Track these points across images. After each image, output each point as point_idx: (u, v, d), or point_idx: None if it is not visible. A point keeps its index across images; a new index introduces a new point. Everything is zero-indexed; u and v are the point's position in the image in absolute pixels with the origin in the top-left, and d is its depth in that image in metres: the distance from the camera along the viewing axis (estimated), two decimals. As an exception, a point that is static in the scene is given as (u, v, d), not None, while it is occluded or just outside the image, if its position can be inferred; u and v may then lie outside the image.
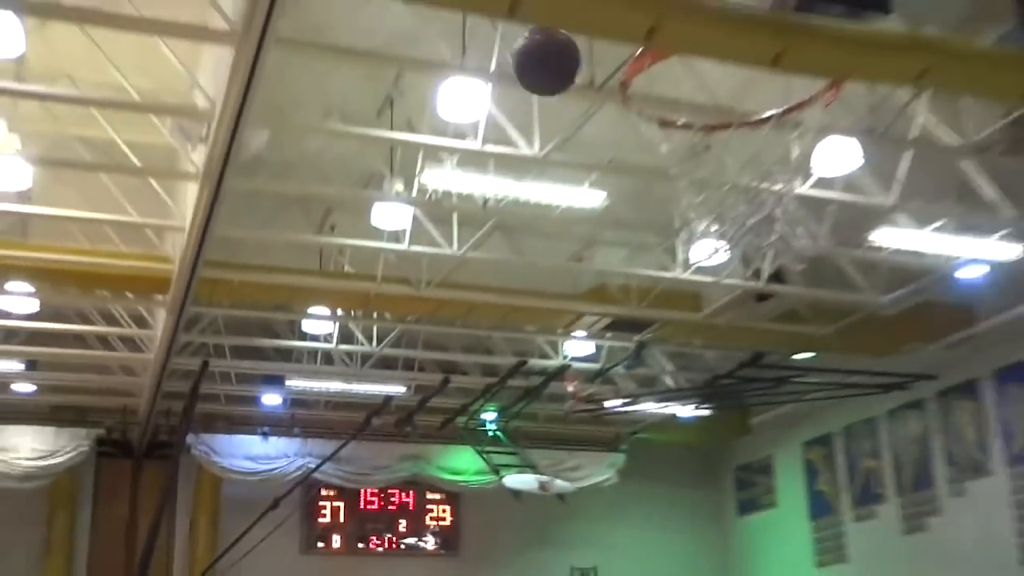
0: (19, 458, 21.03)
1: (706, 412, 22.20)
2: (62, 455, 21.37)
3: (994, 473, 19.17)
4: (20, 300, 16.26)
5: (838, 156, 11.78)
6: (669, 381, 21.52)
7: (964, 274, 15.79)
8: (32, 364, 19.02)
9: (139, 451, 22.70)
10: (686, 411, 22.12)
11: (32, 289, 15.50)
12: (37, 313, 16.93)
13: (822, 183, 12.87)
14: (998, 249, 14.52)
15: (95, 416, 21.95)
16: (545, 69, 3.42)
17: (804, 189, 12.70)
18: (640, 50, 5.69)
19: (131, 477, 22.97)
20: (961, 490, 19.94)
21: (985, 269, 15.58)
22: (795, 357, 19.50)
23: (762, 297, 16.89)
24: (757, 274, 15.74)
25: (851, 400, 21.73)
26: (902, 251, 14.68)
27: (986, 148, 12.70)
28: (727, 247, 13.38)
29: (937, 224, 14.17)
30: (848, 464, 22.98)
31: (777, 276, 15.91)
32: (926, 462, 20.78)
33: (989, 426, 19.37)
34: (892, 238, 14.19)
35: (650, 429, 24.21)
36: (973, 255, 14.89)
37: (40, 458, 21.21)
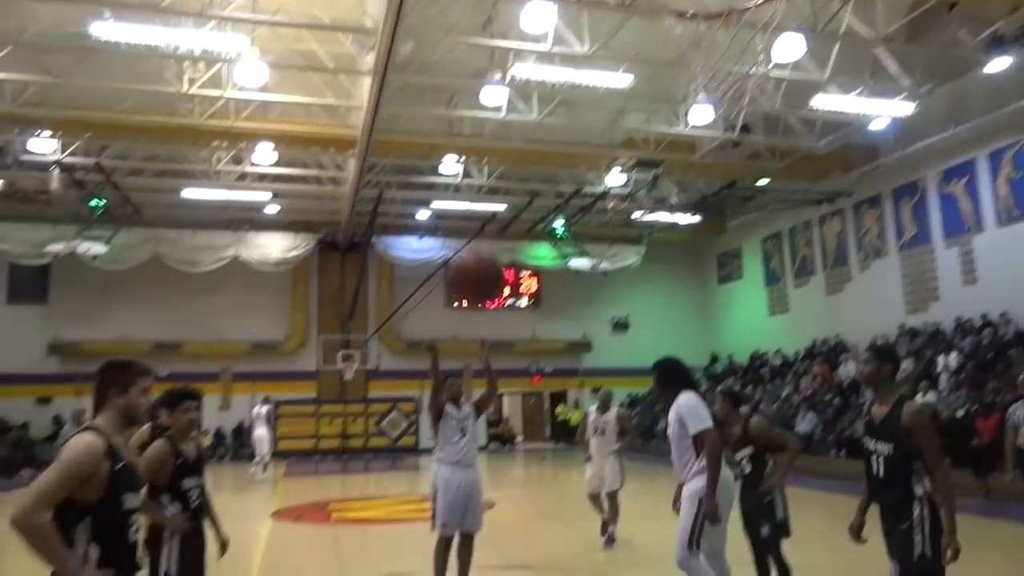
0: (272, 252, 22.11)
1: (697, 219, 22.08)
2: (297, 250, 22.40)
3: (889, 255, 19.00)
4: (265, 155, 16.68)
5: (789, 46, 11.33)
6: (674, 199, 21.40)
7: (873, 125, 15.27)
8: (275, 195, 19.67)
9: (343, 247, 23.58)
10: (685, 219, 22.02)
11: (272, 147, 15.91)
12: (277, 162, 17.42)
13: (778, 65, 12.44)
14: (897, 108, 13.96)
15: (315, 226, 22.71)
16: (472, 292, 3.20)
17: (766, 69, 12.34)
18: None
19: (339, 264, 24.02)
20: (866, 266, 19.83)
21: (887, 121, 15.03)
22: (758, 183, 19.14)
23: (735, 143, 16.62)
24: (733, 127, 15.45)
25: (795, 209, 21.52)
26: (831, 110, 14.21)
27: (891, 39, 12.09)
28: (713, 110, 13.22)
29: (856, 91, 13.62)
30: (791, 251, 22.85)
31: (745, 128, 15.60)
32: (844, 249, 20.60)
33: (887, 225, 19.08)
34: (825, 102, 13.69)
35: (661, 231, 24.15)
36: (879, 112, 14.35)
37: (285, 252, 22.27)
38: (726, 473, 4.66)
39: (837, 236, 20.83)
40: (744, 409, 5.67)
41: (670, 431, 4.58)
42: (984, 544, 8.10)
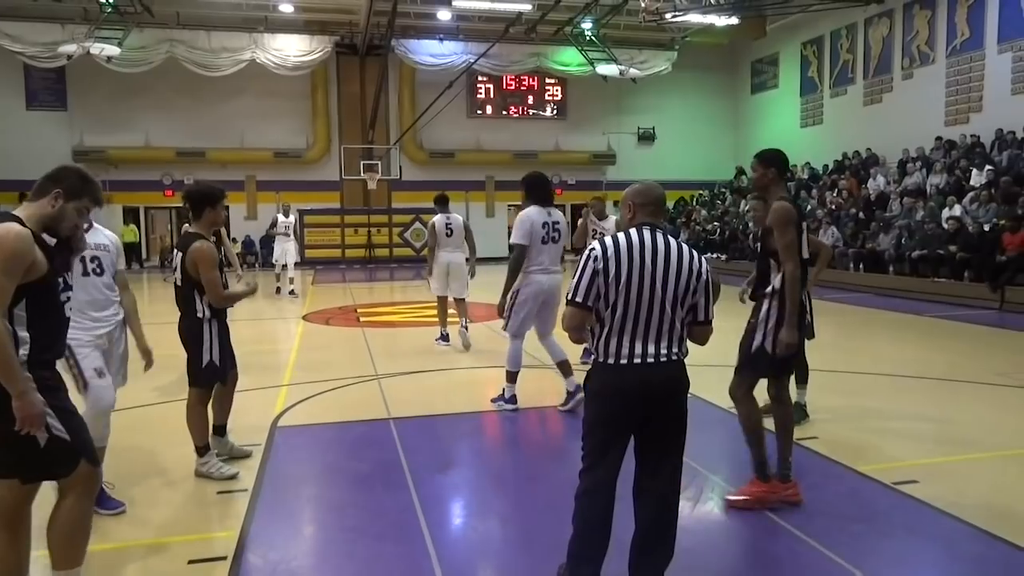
0: (288, 55, 21.36)
1: (735, 20, 20.75)
2: (315, 53, 21.59)
3: (935, 62, 18.02)
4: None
5: None
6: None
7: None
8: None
9: (362, 51, 22.73)
10: (721, 20, 20.70)
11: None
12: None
13: None
14: None
15: (333, 28, 21.81)
16: None
17: None
18: None
19: (359, 69, 23.32)
20: (909, 75, 18.90)
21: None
22: (803, -20, 17.78)
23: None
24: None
25: (841, 10, 20.19)
26: None
27: None
28: None
29: None
30: (832, 57, 21.69)
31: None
32: (888, 55, 19.53)
33: (938, 28, 17.90)
34: None
35: (695, 34, 22.88)
36: None
37: (301, 56, 21.50)
38: (539, 278, 5.33)
39: (883, 40, 19.65)
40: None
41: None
42: (995, 349, 8.44)
